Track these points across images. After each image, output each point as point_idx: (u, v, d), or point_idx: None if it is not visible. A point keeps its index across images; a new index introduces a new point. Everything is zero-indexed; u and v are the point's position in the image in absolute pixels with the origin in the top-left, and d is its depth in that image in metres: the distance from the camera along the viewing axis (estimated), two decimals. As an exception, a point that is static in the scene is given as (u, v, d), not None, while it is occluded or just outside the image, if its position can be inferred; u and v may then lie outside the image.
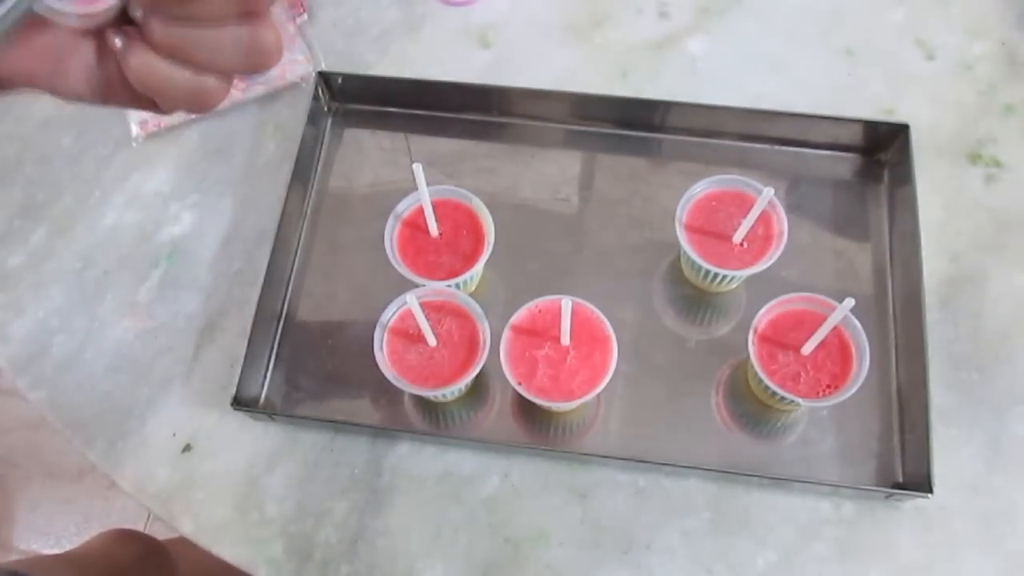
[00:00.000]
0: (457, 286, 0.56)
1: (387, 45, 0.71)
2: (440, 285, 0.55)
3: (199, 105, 0.29)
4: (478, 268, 0.57)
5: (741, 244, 0.57)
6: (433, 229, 0.58)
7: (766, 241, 0.57)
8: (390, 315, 0.55)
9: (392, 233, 0.57)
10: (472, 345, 0.54)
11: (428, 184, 0.55)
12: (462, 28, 0.72)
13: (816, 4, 0.72)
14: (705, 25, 0.71)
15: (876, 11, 0.71)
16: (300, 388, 0.59)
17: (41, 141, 0.69)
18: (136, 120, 0.68)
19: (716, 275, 0.56)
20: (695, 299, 0.61)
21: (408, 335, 0.54)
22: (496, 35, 0.72)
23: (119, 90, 0.29)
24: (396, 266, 0.56)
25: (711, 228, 0.57)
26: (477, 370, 0.53)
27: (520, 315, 0.54)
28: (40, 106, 0.70)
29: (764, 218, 0.57)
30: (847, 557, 0.53)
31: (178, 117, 0.68)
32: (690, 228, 0.57)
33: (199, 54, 0.27)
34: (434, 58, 0.70)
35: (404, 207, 0.58)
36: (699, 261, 0.55)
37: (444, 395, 0.55)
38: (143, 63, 0.27)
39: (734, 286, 0.60)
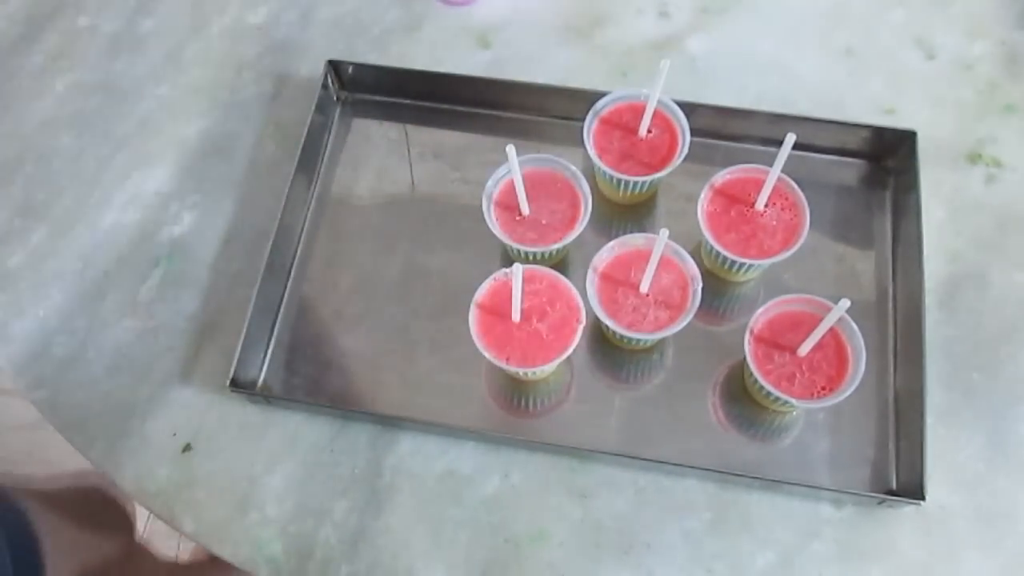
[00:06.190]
0: (544, 255, 0.58)
1: (387, 45, 0.71)
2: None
3: None
4: (568, 239, 0.57)
5: (762, 212, 0.57)
6: (525, 208, 0.58)
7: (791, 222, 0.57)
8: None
9: (489, 213, 0.58)
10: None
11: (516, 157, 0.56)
12: (462, 28, 0.72)
13: (816, 4, 0.72)
14: (705, 25, 0.71)
15: (876, 11, 0.71)
16: (299, 375, 0.59)
17: (41, 141, 0.69)
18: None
19: (738, 264, 0.56)
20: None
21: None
22: (496, 35, 0.71)
23: None
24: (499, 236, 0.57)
25: (733, 209, 0.57)
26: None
27: (482, 291, 0.55)
28: (40, 106, 0.70)
29: (790, 206, 0.57)
30: (847, 557, 0.53)
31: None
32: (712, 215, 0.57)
33: None
34: (434, 58, 0.70)
35: (494, 185, 0.59)
36: (723, 251, 0.55)
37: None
38: None
39: (755, 275, 0.60)
